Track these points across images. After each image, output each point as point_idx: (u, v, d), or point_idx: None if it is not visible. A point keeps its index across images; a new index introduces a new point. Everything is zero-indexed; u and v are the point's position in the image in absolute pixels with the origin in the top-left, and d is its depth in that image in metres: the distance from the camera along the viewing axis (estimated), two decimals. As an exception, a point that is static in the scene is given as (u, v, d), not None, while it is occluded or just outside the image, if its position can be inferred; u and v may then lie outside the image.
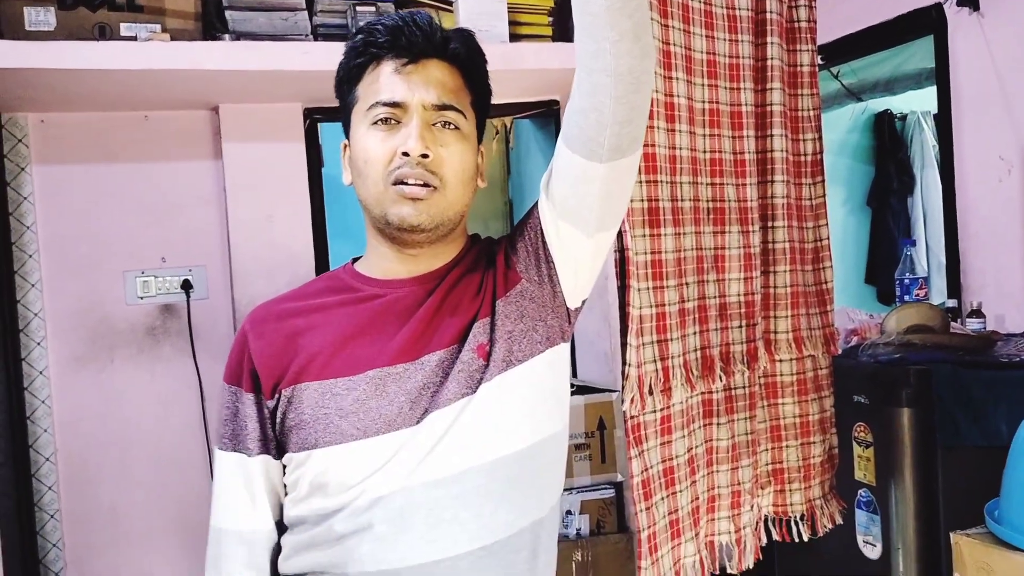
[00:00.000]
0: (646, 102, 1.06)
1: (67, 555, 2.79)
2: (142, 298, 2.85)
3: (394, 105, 1.12)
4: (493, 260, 1.20)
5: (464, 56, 1.17)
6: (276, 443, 1.16)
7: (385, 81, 1.13)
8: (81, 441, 2.81)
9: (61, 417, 2.79)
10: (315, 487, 1.11)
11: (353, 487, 1.09)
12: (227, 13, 2.41)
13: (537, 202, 1.17)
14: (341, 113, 1.22)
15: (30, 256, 2.74)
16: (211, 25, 2.44)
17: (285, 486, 1.17)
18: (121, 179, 2.84)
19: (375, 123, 1.13)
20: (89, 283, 2.82)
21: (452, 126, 1.14)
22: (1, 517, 2.54)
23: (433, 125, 1.13)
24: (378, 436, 1.09)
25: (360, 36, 1.16)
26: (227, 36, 2.40)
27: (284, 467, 1.16)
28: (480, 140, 1.21)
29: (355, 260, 1.25)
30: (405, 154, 1.10)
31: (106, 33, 2.30)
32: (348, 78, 1.17)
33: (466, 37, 1.18)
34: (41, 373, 2.75)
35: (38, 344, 2.75)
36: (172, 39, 2.31)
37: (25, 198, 2.74)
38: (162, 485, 2.89)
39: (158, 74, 2.33)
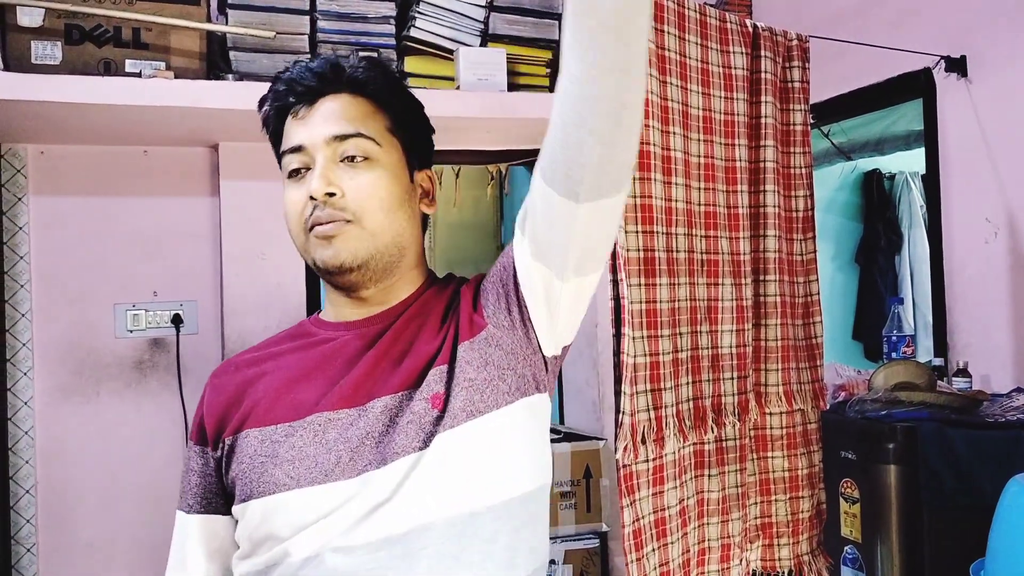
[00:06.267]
0: (629, 142, 0.94)
1: (42, 591, 2.75)
2: (132, 331, 2.84)
3: (297, 150, 1.09)
4: (459, 300, 1.11)
5: (366, 81, 1.11)
6: (225, 498, 1.10)
7: (288, 132, 1.11)
8: (62, 474, 2.78)
9: (43, 449, 2.76)
10: (253, 543, 1.04)
11: (286, 541, 1.00)
12: (231, 54, 2.44)
13: (512, 242, 1.08)
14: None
15: (21, 286, 2.73)
16: (215, 65, 2.48)
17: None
18: (117, 212, 2.85)
19: (289, 176, 1.11)
20: (79, 315, 2.81)
21: (360, 157, 1.08)
22: (-23, 550, 2.50)
23: (341, 161, 1.08)
24: (312, 487, 1.00)
25: (264, 105, 1.14)
26: (230, 76, 2.43)
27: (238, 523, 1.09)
28: (419, 163, 1.15)
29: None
30: (312, 198, 1.06)
31: (111, 69, 2.32)
32: (274, 143, 1.16)
33: (371, 63, 1.13)
34: (26, 404, 2.73)
35: (24, 375, 2.73)
36: (176, 77, 2.33)
37: (20, 228, 2.74)
38: (142, 522, 2.85)
39: (159, 110, 2.35)
